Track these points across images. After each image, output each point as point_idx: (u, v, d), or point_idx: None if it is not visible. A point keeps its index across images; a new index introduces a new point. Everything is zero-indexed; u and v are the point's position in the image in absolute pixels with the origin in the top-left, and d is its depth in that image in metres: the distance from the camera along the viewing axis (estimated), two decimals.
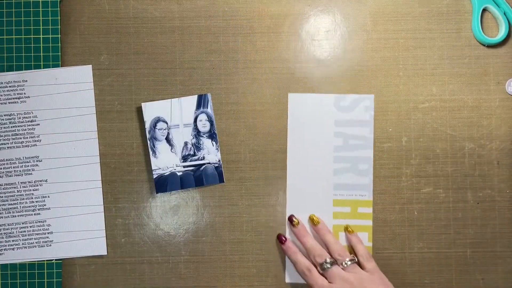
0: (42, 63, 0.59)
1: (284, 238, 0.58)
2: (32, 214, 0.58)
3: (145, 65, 0.60)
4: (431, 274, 0.59)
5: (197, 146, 0.59)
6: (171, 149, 0.59)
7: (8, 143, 0.59)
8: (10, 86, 0.59)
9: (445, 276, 0.59)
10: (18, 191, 0.59)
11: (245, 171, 0.60)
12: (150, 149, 0.59)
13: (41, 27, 0.59)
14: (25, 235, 0.58)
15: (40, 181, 0.59)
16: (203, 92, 0.60)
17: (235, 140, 0.60)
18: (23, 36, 0.59)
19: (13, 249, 0.58)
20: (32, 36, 0.59)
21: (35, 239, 0.58)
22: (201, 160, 0.59)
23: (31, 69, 0.59)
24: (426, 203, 0.59)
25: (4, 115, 0.59)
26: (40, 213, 0.58)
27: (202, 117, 0.60)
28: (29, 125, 0.59)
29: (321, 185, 0.59)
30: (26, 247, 0.58)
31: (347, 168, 0.59)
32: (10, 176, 0.59)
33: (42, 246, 0.58)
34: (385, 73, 0.61)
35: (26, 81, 0.59)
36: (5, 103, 0.59)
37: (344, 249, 0.56)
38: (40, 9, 0.59)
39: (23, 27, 0.59)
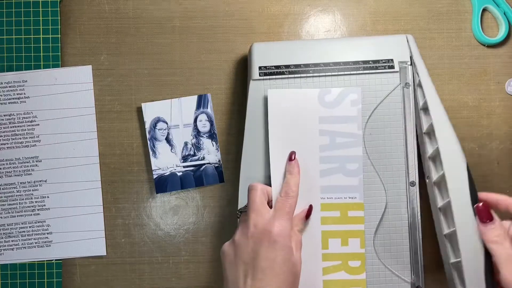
0: (42, 63, 0.59)
1: None
2: (31, 215, 0.58)
3: (145, 65, 0.60)
4: (430, 275, 0.58)
5: (197, 146, 0.59)
6: (171, 149, 0.59)
7: (7, 143, 0.59)
8: (10, 86, 0.59)
9: (445, 277, 0.59)
10: (17, 191, 0.58)
11: None
12: (150, 149, 0.59)
13: (41, 27, 0.59)
14: (25, 235, 0.58)
15: (40, 181, 0.59)
16: (203, 92, 0.60)
17: (235, 140, 0.60)
18: (23, 36, 0.59)
19: (12, 249, 0.58)
20: (32, 36, 0.59)
21: (34, 239, 0.58)
22: (201, 160, 0.59)
23: (31, 69, 0.59)
24: (426, 202, 0.59)
25: (4, 115, 0.59)
26: (39, 213, 0.58)
27: (202, 117, 0.60)
28: (28, 125, 0.59)
29: (306, 188, 0.54)
30: (25, 247, 0.58)
31: (335, 169, 0.54)
32: (10, 176, 0.58)
33: (41, 247, 0.58)
34: None
35: (26, 81, 0.59)
36: (5, 103, 0.59)
37: None
38: (40, 9, 0.59)
39: (23, 27, 0.59)
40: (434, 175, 0.54)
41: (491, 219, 0.47)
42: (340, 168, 0.55)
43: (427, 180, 0.55)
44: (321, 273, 0.53)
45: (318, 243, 0.54)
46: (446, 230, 0.52)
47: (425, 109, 0.54)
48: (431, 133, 0.54)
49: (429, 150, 0.54)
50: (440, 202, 0.53)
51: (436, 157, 0.53)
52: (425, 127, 0.54)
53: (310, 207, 0.53)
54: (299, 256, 0.48)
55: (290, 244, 0.47)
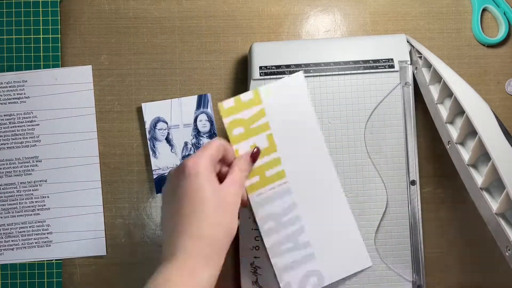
0: (42, 63, 0.59)
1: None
2: (31, 214, 0.58)
3: (145, 65, 0.60)
4: (431, 274, 0.58)
5: (197, 146, 0.59)
6: (171, 149, 0.59)
7: (7, 143, 0.59)
8: (10, 86, 0.59)
9: (445, 276, 0.59)
10: (17, 191, 0.58)
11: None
12: (150, 149, 0.59)
13: (41, 27, 0.59)
14: (25, 235, 0.58)
15: (40, 181, 0.59)
16: (203, 92, 0.60)
17: None
18: (23, 36, 0.59)
19: (12, 249, 0.58)
20: (32, 36, 0.59)
21: (34, 239, 0.58)
22: None
23: (31, 69, 0.59)
24: (426, 203, 0.59)
25: (4, 115, 0.59)
26: (39, 213, 0.58)
27: (202, 117, 0.60)
28: (29, 125, 0.59)
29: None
30: (25, 247, 0.58)
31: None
32: (10, 176, 0.58)
33: (41, 246, 0.58)
34: None
35: (26, 81, 0.59)
36: (5, 103, 0.59)
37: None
38: (40, 9, 0.59)
39: (23, 27, 0.59)
40: (456, 135, 0.51)
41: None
42: None
43: (448, 147, 0.52)
44: None
45: None
46: (482, 184, 0.47)
47: (433, 80, 0.54)
48: (445, 99, 0.53)
49: (444, 115, 0.52)
50: (467, 157, 0.49)
51: (455, 115, 0.52)
52: (436, 97, 0.54)
53: (258, 150, 0.49)
54: (233, 191, 0.45)
55: (206, 173, 0.43)
